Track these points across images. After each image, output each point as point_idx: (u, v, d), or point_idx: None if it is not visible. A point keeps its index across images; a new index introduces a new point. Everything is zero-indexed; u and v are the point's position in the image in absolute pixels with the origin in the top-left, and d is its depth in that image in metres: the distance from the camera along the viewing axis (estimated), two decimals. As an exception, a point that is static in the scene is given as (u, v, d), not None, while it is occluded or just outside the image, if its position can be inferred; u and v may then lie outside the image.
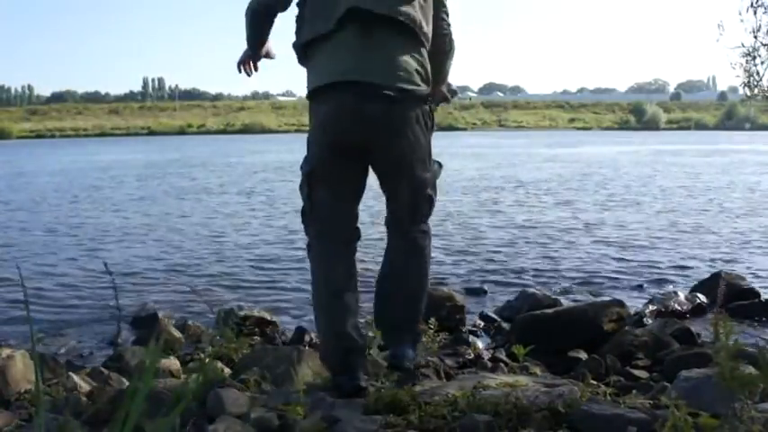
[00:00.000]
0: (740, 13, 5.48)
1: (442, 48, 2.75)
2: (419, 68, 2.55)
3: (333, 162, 2.59)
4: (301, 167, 2.67)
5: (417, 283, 2.78)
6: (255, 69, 2.90)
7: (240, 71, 2.90)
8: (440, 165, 2.78)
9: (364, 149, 2.57)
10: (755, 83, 5.60)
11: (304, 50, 2.63)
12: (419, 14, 2.54)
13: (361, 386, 2.59)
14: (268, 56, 2.91)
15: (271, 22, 2.77)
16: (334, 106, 2.52)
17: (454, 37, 2.81)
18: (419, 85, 2.55)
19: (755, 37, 5.50)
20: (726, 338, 2.29)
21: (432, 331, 3.70)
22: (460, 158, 20.05)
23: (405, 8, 2.50)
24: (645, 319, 4.52)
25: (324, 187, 2.61)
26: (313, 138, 2.62)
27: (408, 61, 2.52)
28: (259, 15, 2.73)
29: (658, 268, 6.35)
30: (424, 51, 2.59)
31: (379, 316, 2.83)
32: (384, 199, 2.80)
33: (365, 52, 2.47)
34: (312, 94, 2.60)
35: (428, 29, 2.61)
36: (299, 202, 2.75)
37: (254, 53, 2.86)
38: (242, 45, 2.92)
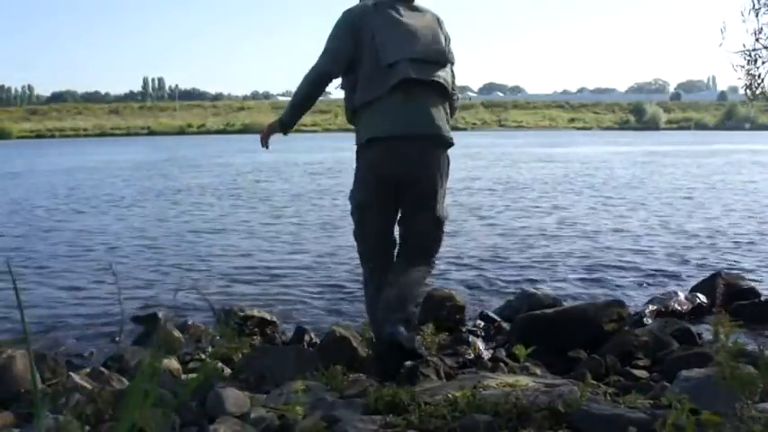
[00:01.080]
0: (742, 14, 5.47)
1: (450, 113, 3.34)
2: (447, 119, 3.20)
3: (377, 195, 3.17)
4: (350, 199, 3.30)
5: (414, 285, 3.14)
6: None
7: (262, 143, 3.41)
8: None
9: (399, 184, 3.12)
10: (757, 85, 5.60)
11: (355, 110, 3.22)
12: (449, 77, 3.23)
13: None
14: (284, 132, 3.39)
15: (324, 90, 3.26)
16: (380, 149, 3.10)
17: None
18: (447, 133, 3.17)
19: (757, 39, 5.49)
20: (726, 338, 2.29)
21: (431, 331, 3.70)
22: (459, 159, 20.03)
23: (441, 73, 3.18)
24: (645, 319, 4.52)
25: (370, 214, 3.22)
26: (361, 176, 3.21)
27: (440, 113, 3.16)
28: (317, 85, 3.21)
29: (658, 268, 6.35)
30: (448, 106, 3.25)
31: (372, 313, 3.22)
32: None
33: (409, 109, 3.08)
34: (363, 143, 3.17)
35: (451, 89, 3.24)
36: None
37: (288, 129, 3.35)
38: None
